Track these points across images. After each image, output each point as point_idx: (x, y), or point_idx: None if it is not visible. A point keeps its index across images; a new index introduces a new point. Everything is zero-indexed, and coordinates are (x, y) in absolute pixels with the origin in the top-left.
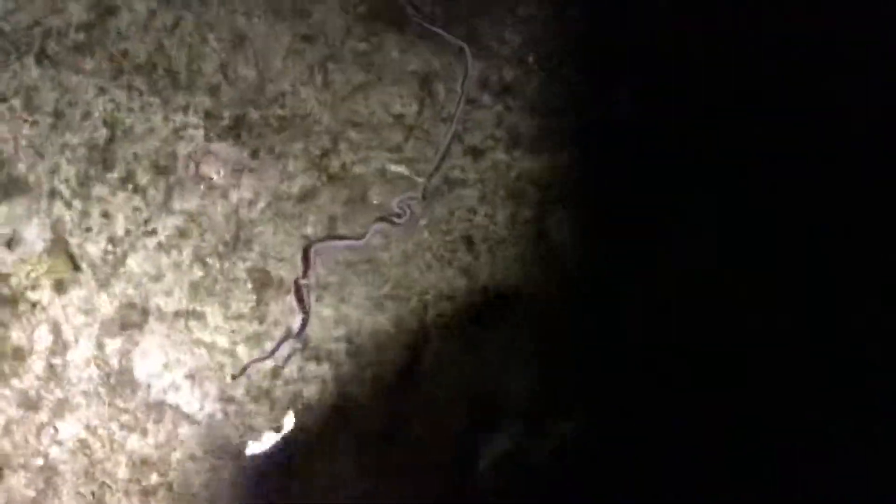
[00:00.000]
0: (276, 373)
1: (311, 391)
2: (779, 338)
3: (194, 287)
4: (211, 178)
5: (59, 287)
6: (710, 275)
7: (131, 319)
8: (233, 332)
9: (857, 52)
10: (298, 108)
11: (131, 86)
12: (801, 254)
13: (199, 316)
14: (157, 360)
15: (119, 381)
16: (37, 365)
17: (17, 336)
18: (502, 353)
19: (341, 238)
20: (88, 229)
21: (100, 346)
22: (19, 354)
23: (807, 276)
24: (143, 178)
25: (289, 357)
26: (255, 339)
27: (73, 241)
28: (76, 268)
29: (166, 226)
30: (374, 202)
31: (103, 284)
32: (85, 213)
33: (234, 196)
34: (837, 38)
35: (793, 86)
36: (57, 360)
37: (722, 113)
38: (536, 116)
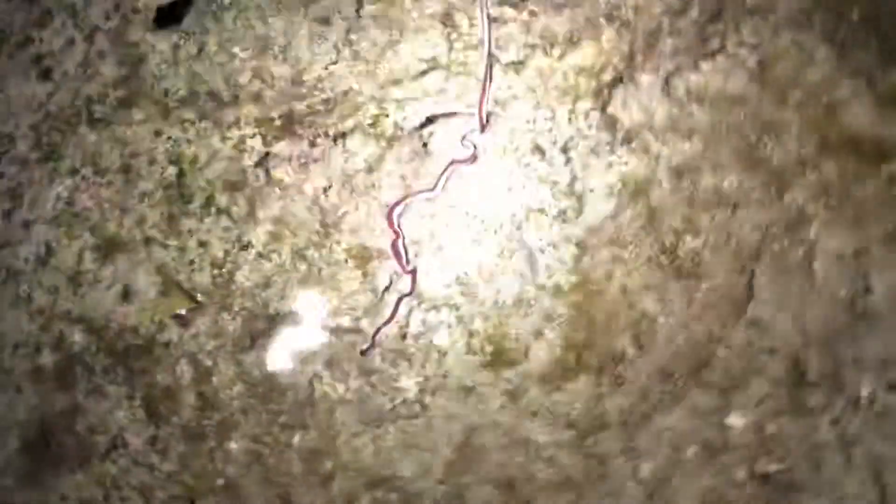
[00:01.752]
0: (403, 333)
1: (440, 338)
2: None
3: (303, 282)
4: (282, 180)
5: (184, 322)
6: None
7: (258, 328)
8: (352, 309)
9: None
10: (338, 86)
11: (183, 119)
12: None
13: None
14: (292, 358)
15: (266, 388)
16: (188, 398)
17: (161, 378)
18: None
19: (417, 193)
20: (191, 262)
21: (238, 363)
22: (170, 394)
23: None
24: (222, 200)
25: (409, 314)
26: (373, 310)
27: (182, 277)
28: (193, 300)
29: (258, 235)
30: (436, 149)
31: (222, 307)
32: (182, 249)
33: (308, 188)
34: None
35: None
36: (205, 388)
37: None
38: (564, 9)
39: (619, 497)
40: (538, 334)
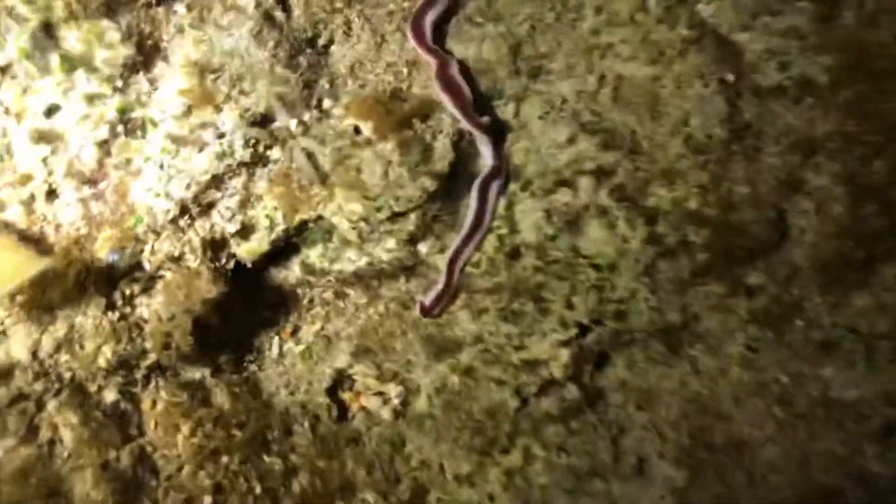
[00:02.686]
0: (512, 250)
1: (590, 237)
2: None
3: (281, 182)
4: None
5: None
6: None
7: (207, 297)
8: (393, 223)
9: None
10: None
11: None
12: None
13: None
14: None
15: (255, 424)
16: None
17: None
18: None
19: None
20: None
21: (175, 382)
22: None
23: None
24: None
25: (511, 209)
26: (440, 218)
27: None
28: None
29: (165, 105)
30: None
31: None
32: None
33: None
34: None
35: None
36: (112, 454)
37: None
38: None
39: None
40: (796, 184)
